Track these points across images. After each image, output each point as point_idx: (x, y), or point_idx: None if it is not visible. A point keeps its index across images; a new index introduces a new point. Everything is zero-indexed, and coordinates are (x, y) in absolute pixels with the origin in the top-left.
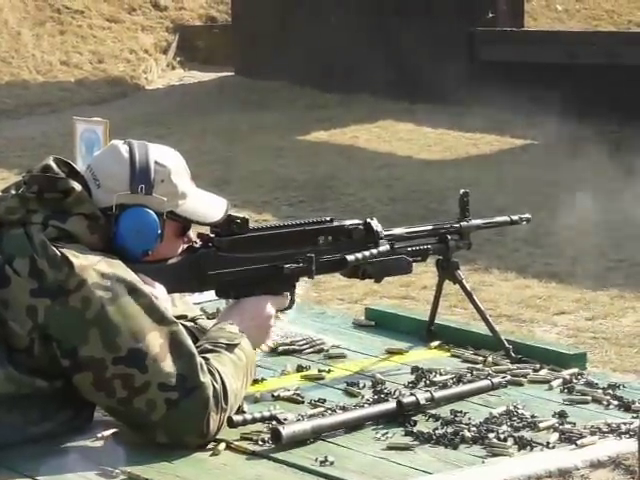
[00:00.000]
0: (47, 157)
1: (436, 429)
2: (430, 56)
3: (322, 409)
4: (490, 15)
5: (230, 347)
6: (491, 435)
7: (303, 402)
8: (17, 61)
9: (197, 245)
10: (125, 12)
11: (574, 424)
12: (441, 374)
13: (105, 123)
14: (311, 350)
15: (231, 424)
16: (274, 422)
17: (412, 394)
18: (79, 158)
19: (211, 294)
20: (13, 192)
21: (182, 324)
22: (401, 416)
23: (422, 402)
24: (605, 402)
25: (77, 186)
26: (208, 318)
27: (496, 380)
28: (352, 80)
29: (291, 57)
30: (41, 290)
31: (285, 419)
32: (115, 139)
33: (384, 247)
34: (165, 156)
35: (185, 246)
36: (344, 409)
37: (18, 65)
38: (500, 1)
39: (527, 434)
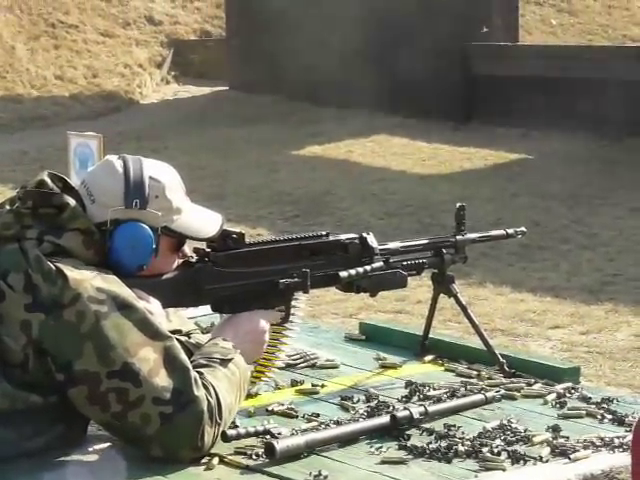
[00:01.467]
0: (41, 172)
1: (430, 443)
2: (424, 70)
3: (316, 423)
4: (484, 30)
5: (224, 362)
6: (485, 449)
7: (297, 416)
8: (11, 75)
9: (193, 260)
10: (119, 27)
11: (567, 438)
12: (435, 388)
13: (99, 138)
14: (305, 364)
15: (225, 438)
16: (268, 436)
17: (406, 408)
18: (73, 173)
19: (206, 309)
20: (8, 207)
21: (176, 339)
22: (395, 430)
23: (416, 416)
24: (599, 416)
25: (72, 201)
26: (202, 332)
27: (490, 394)
28: (346, 95)
29: (285, 72)
30: (35, 305)
31: (279, 433)
32: (109, 154)
33: (378, 264)
34: (160, 171)
35: (181, 261)
36: (338, 423)
37: (12, 79)
38: (494, 16)
39: (521, 448)
